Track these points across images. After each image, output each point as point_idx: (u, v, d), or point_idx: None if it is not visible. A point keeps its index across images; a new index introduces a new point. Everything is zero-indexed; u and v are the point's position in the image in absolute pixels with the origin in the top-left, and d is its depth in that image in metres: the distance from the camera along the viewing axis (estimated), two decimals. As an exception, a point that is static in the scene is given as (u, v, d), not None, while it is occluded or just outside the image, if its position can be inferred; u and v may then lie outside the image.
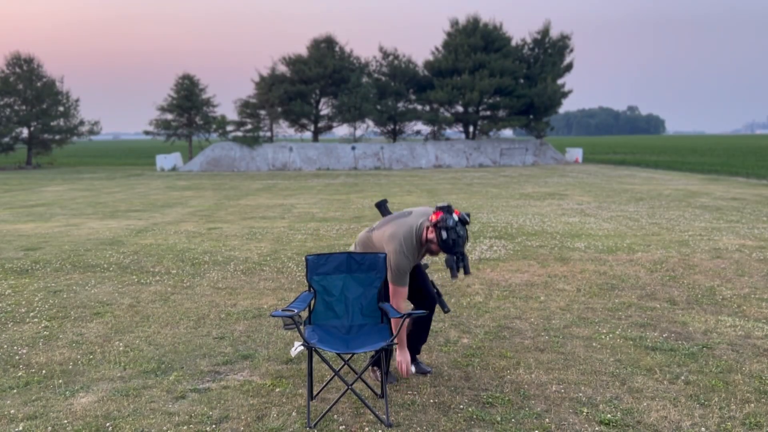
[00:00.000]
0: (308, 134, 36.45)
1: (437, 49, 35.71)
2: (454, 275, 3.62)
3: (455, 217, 3.55)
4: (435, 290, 3.99)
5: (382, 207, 4.09)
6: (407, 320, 3.63)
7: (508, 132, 40.45)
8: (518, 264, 7.34)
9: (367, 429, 3.26)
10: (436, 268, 6.84)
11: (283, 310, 3.24)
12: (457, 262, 3.57)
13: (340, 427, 3.28)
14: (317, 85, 33.83)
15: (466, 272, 3.62)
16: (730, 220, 10.73)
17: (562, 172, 26.17)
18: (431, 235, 3.58)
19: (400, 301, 3.69)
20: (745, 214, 11.50)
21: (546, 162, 33.98)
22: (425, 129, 36.57)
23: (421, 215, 3.73)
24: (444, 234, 3.52)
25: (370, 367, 3.99)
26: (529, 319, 5.16)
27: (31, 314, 5.43)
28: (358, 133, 35.88)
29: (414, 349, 4.01)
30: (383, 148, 32.48)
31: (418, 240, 3.66)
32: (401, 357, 3.65)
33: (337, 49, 34.74)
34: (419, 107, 35.46)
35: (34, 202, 15.46)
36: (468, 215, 3.62)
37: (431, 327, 4.92)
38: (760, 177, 21.34)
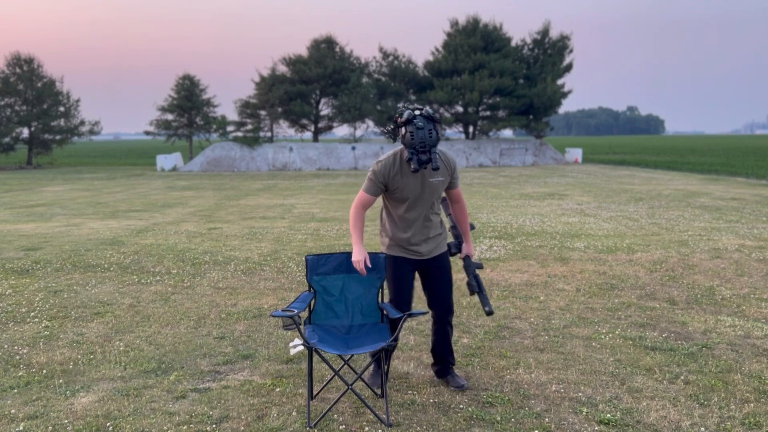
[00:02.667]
0: (308, 134, 36.47)
1: (437, 49, 35.73)
2: (414, 168, 3.34)
3: (415, 111, 3.38)
4: (480, 289, 3.72)
5: None
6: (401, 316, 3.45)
7: (507, 132, 40.44)
8: (518, 264, 7.34)
9: (367, 429, 3.27)
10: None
11: (283, 311, 3.25)
12: (415, 154, 3.32)
13: (340, 427, 3.29)
14: (317, 86, 33.84)
15: (434, 165, 3.36)
16: (729, 220, 10.73)
17: (562, 172, 26.17)
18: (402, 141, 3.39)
19: (356, 202, 3.62)
20: (744, 214, 11.51)
21: (546, 162, 33.98)
22: (425, 129, 36.52)
23: None
24: (402, 130, 3.38)
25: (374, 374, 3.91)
26: (529, 319, 5.17)
27: (32, 314, 5.44)
28: (358, 133, 35.91)
29: (444, 361, 3.85)
30: (383, 148, 32.48)
31: (400, 154, 3.54)
32: (357, 255, 3.49)
33: (337, 49, 34.75)
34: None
35: (34, 202, 15.47)
36: (435, 112, 3.41)
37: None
38: (760, 177, 21.34)
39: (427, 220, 3.67)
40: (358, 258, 3.49)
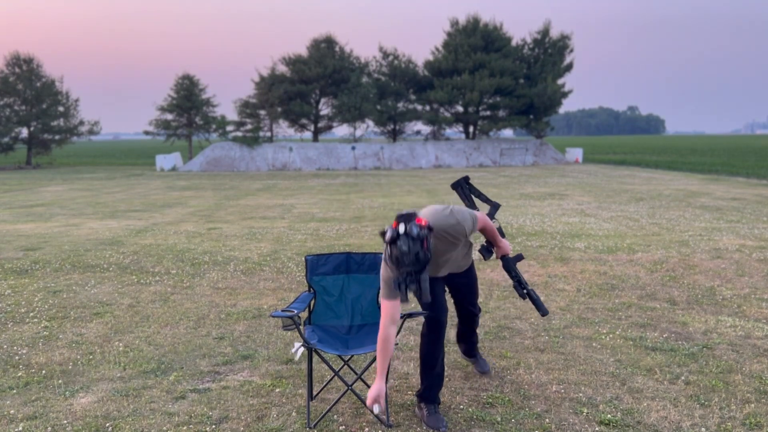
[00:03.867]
0: (308, 134, 36.47)
1: (437, 49, 35.73)
2: (403, 298, 2.98)
3: (400, 228, 2.90)
4: (528, 292, 3.63)
5: (462, 187, 3.68)
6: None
7: (508, 132, 40.46)
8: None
9: (367, 429, 3.26)
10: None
11: (282, 311, 3.24)
12: (403, 283, 2.90)
13: (340, 427, 3.28)
14: (317, 85, 33.83)
15: (421, 298, 2.98)
16: (730, 220, 10.72)
17: (562, 172, 26.16)
18: None
19: (385, 318, 3.08)
20: (745, 214, 11.50)
21: (546, 162, 33.98)
22: (425, 129, 36.62)
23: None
24: (388, 250, 2.94)
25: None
26: (529, 320, 5.16)
27: (31, 314, 5.43)
28: (358, 133, 35.90)
29: (470, 342, 3.93)
30: (383, 148, 32.48)
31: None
32: (374, 390, 3.00)
33: (337, 49, 34.74)
34: (419, 107, 35.47)
35: (33, 202, 15.46)
36: (422, 228, 2.92)
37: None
38: (760, 177, 21.34)
39: (454, 260, 3.50)
40: (375, 395, 2.99)
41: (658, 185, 18.40)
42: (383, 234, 2.97)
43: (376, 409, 2.99)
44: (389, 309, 3.08)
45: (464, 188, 3.82)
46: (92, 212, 13.18)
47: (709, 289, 6.08)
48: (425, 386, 3.38)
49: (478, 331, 4.76)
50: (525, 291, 3.66)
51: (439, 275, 3.49)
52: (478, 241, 8.78)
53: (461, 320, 3.88)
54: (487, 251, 3.71)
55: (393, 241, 2.91)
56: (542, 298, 5.81)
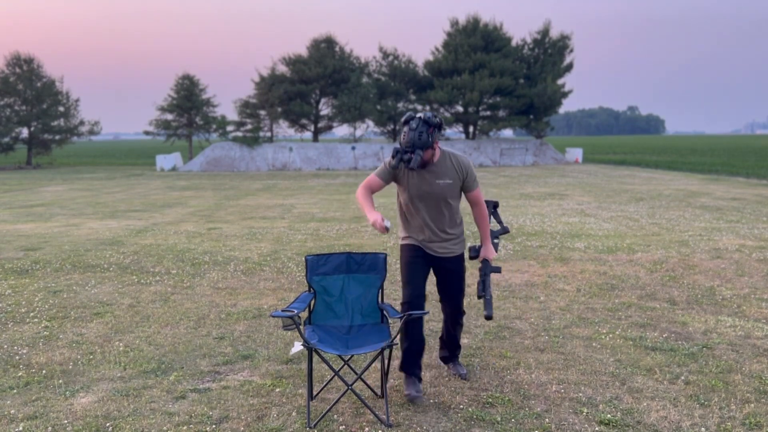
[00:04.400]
0: (308, 134, 36.47)
1: (437, 49, 35.73)
2: (395, 165, 3.53)
3: (419, 114, 3.49)
4: (485, 293, 3.79)
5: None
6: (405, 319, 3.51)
7: (508, 132, 40.46)
8: (518, 264, 7.34)
9: (367, 429, 3.26)
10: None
11: (283, 311, 3.24)
12: (401, 153, 3.46)
13: (340, 427, 3.28)
14: (317, 85, 33.83)
15: (412, 165, 3.44)
16: (730, 220, 10.73)
17: (562, 172, 26.17)
18: None
19: (363, 186, 3.68)
20: (745, 214, 11.50)
21: (546, 162, 33.98)
22: (425, 129, 36.53)
23: None
24: (401, 128, 3.57)
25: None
26: (529, 319, 5.16)
27: (31, 314, 5.43)
28: (358, 133, 35.90)
29: (450, 351, 4.03)
30: (383, 148, 32.48)
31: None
32: (372, 216, 3.49)
33: (337, 49, 34.74)
34: (419, 107, 35.46)
35: (33, 202, 15.46)
36: (436, 116, 3.50)
37: (436, 327, 4.93)
38: (760, 177, 21.34)
39: (440, 222, 3.70)
40: (375, 218, 3.47)
41: (658, 185, 18.40)
42: (402, 120, 3.55)
43: (387, 224, 3.44)
44: (371, 180, 3.68)
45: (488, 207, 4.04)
46: (92, 212, 13.19)
47: (708, 289, 6.09)
48: (401, 359, 3.73)
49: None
50: (484, 294, 3.80)
51: (424, 240, 3.74)
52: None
53: (447, 317, 3.92)
54: (475, 251, 3.93)
55: (408, 120, 3.49)
56: (542, 298, 5.82)
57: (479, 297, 3.82)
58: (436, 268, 3.81)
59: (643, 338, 4.65)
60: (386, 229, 3.44)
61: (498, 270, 3.92)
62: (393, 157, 3.52)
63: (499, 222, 4.11)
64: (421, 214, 3.68)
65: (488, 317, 3.67)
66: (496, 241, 4.01)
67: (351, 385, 3.38)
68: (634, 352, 4.37)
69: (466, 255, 3.93)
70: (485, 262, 3.88)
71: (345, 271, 3.72)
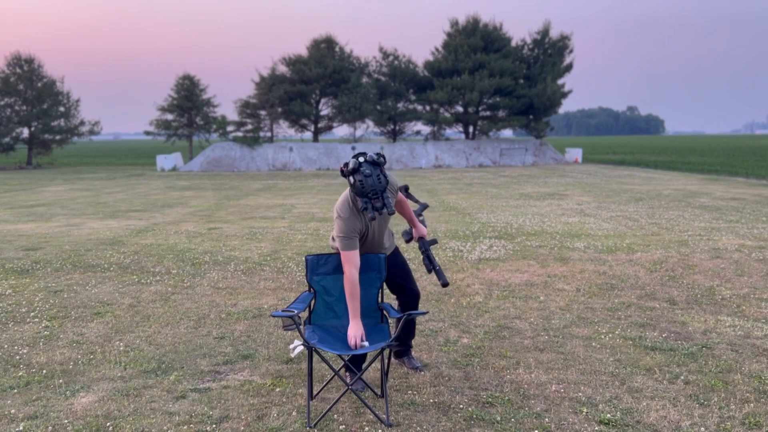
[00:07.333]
0: (308, 134, 36.47)
1: (437, 49, 35.73)
2: (371, 216, 3.37)
3: (360, 158, 3.35)
4: (433, 265, 3.97)
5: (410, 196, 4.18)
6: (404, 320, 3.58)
7: (507, 132, 40.48)
8: (518, 264, 7.34)
9: (367, 429, 3.27)
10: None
11: (283, 311, 3.25)
12: (369, 203, 3.34)
13: (340, 427, 3.29)
14: (317, 86, 33.82)
15: (389, 211, 3.39)
16: (729, 220, 10.73)
17: (562, 172, 26.17)
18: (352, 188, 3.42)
19: (349, 266, 3.49)
20: (744, 214, 11.51)
21: (546, 162, 33.98)
22: (425, 129, 36.63)
23: None
24: (351, 179, 3.35)
25: (396, 359, 4.15)
26: (529, 319, 5.17)
27: (32, 314, 5.44)
28: (358, 133, 35.90)
29: (405, 344, 4.11)
30: (383, 148, 32.48)
31: (352, 200, 3.57)
32: (353, 330, 3.42)
33: (337, 49, 34.73)
34: (419, 107, 35.48)
35: (34, 202, 15.47)
36: (379, 155, 3.39)
37: (432, 327, 4.94)
38: (760, 177, 21.34)
39: (385, 236, 3.87)
40: (356, 333, 3.41)
41: (658, 185, 18.40)
42: (344, 169, 3.37)
43: (364, 344, 3.38)
44: (351, 257, 3.50)
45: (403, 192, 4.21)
46: (93, 212, 13.20)
47: (708, 289, 6.09)
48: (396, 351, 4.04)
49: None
50: (433, 266, 3.97)
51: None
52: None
53: (403, 308, 3.95)
54: (407, 234, 4.13)
55: (356, 170, 3.33)
56: (542, 298, 5.83)
57: (429, 271, 3.99)
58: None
59: (642, 338, 4.66)
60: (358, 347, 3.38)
61: (435, 242, 4.08)
62: (363, 210, 3.37)
63: (416, 201, 4.26)
64: (374, 242, 3.78)
65: (445, 284, 3.87)
66: (421, 218, 4.19)
67: (351, 384, 3.39)
68: (633, 351, 4.38)
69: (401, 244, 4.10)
70: (421, 239, 4.07)
71: (345, 271, 3.72)
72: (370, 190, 3.32)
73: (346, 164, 3.36)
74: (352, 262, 3.49)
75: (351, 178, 3.35)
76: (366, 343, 3.40)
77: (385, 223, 3.77)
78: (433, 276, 6.58)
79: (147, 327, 5.06)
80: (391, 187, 3.66)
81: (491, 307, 5.52)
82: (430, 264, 3.99)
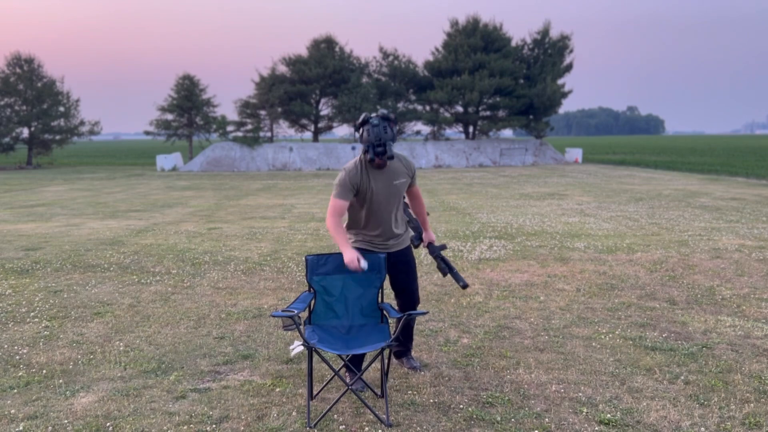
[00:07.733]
0: (308, 134, 36.48)
1: (437, 49, 35.73)
2: (371, 158, 3.59)
3: (372, 114, 3.64)
4: (449, 268, 4.02)
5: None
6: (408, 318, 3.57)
7: (508, 132, 40.48)
8: (518, 264, 7.34)
9: (367, 429, 3.26)
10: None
11: (283, 311, 3.25)
12: (372, 147, 3.56)
13: (340, 427, 3.29)
14: (317, 86, 33.83)
15: (389, 154, 3.59)
16: (729, 220, 10.73)
17: (562, 172, 26.17)
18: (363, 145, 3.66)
19: (332, 217, 3.65)
20: (744, 214, 11.51)
21: (546, 162, 33.98)
22: (425, 129, 36.62)
23: None
24: (360, 131, 3.62)
25: (396, 359, 4.16)
26: (529, 319, 5.17)
27: (32, 314, 5.44)
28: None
29: (405, 347, 4.13)
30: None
31: (360, 160, 3.72)
32: (348, 255, 3.51)
33: (337, 49, 34.74)
34: (419, 107, 35.47)
35: (34, 202, 15.47)
36: (390, 112, 3.68)
37: (432, 327, 4.94)
38: (760, 177, 21.34)
39: (394, 219, 3.85)
40: (351, 257, 3.52)
41: (658, 185, 18.40)
42: (356, 123, 3.67)
43: (363, 264, 3.49)
44: (337, 207, 3.66)
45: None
46: (93, 212, 13.19)
47: (708, 289, 6.09)
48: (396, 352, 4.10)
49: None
50: (449, 269, 4.04)
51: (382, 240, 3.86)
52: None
53: (402, 310, 3.96)
54: (417, 239, 4.15)
55: (365, 121, 3.60)
56: (542, 298, 5.83)
57: (444, 274, 4.03)
58: (391, 265, 3.89)
59: (642, 338, 4.65)
60: (363, 270, 3.54)
61: (444, 247, 4.15)
62: (365, 152, 3.61)
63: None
64: (382, 214, 3.78)
65: (464, 286, 3.92)
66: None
67: (351, 384, 3.39)
68: (633, 351, 4.38)
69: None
70: (430, 245, 4.12)
71: (345, 271, 3.72)
72: (375, 137, 3.55)
73: (358, 118, 3.64)
74: (336, 212, 3.67)
75: (360, 130, 3.62)
76: (365, 265, 3.49)
77: (393, 197, 3.77)
78: (434, 276, 6.58)
79: (147, 327, 5.06)
80: (406, 165, 3.83)
81: (491, 307, 5.52)
82: (446, 267, 4.02)
